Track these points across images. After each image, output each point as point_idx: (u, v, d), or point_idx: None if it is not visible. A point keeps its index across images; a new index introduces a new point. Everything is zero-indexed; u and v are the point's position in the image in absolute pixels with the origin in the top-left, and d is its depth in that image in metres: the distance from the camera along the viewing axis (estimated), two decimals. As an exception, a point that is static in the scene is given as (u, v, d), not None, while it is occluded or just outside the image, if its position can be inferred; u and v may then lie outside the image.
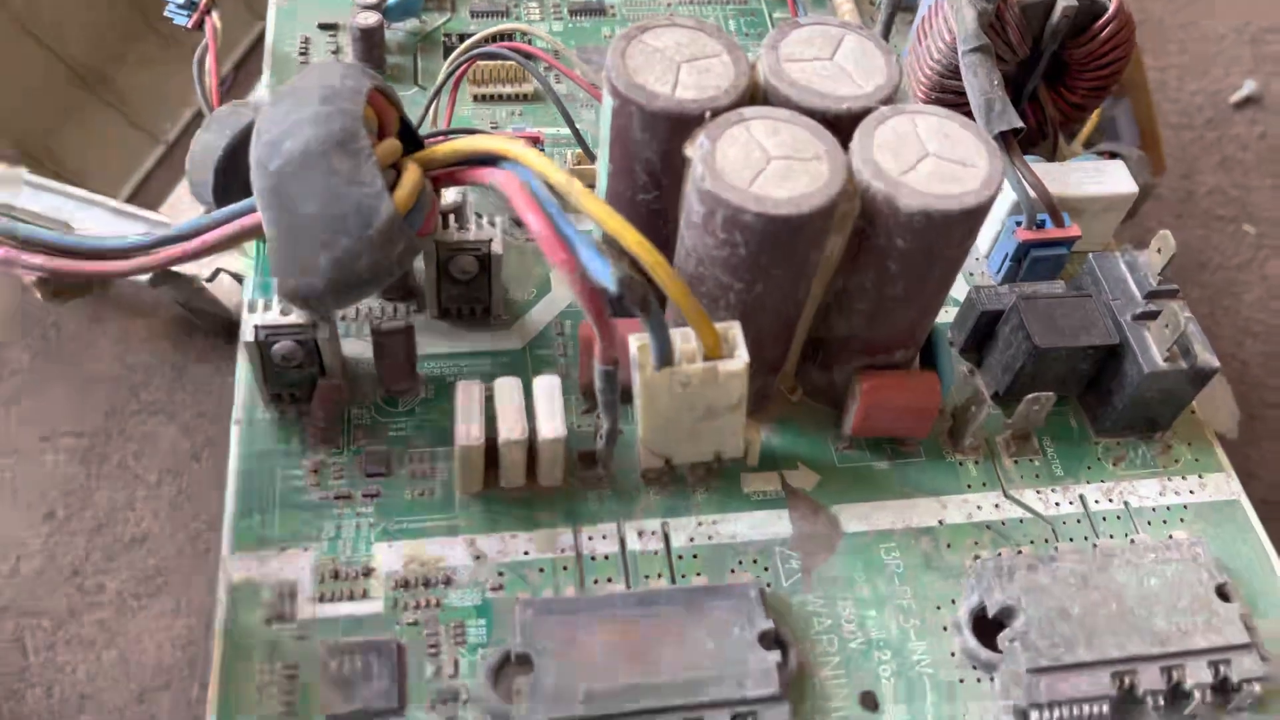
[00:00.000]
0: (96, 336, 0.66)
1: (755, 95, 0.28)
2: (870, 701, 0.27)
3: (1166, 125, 0.69)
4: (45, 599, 0.57)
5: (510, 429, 0.28)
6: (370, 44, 0.38)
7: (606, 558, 0.29)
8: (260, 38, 0.74)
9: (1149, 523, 0.31)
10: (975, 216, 0.26)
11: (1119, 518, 0.31)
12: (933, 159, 0.26)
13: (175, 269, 0.46)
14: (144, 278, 0.47)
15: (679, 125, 0.27)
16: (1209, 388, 0.31)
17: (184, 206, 0.65)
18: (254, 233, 0.29)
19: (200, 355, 0.65)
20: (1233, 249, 0.64)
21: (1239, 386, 0.59)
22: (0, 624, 0.56)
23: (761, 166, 0.25)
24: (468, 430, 0.28)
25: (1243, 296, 0.62)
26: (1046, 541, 0.30)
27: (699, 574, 0.29)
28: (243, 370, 0.31)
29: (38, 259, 0.30)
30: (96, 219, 0.46)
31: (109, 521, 0.59)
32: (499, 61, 0.38)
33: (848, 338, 0.30)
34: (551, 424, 0.28)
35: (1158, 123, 0.52)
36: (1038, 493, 0.31)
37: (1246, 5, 0.75)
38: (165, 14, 0.38)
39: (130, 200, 0.69)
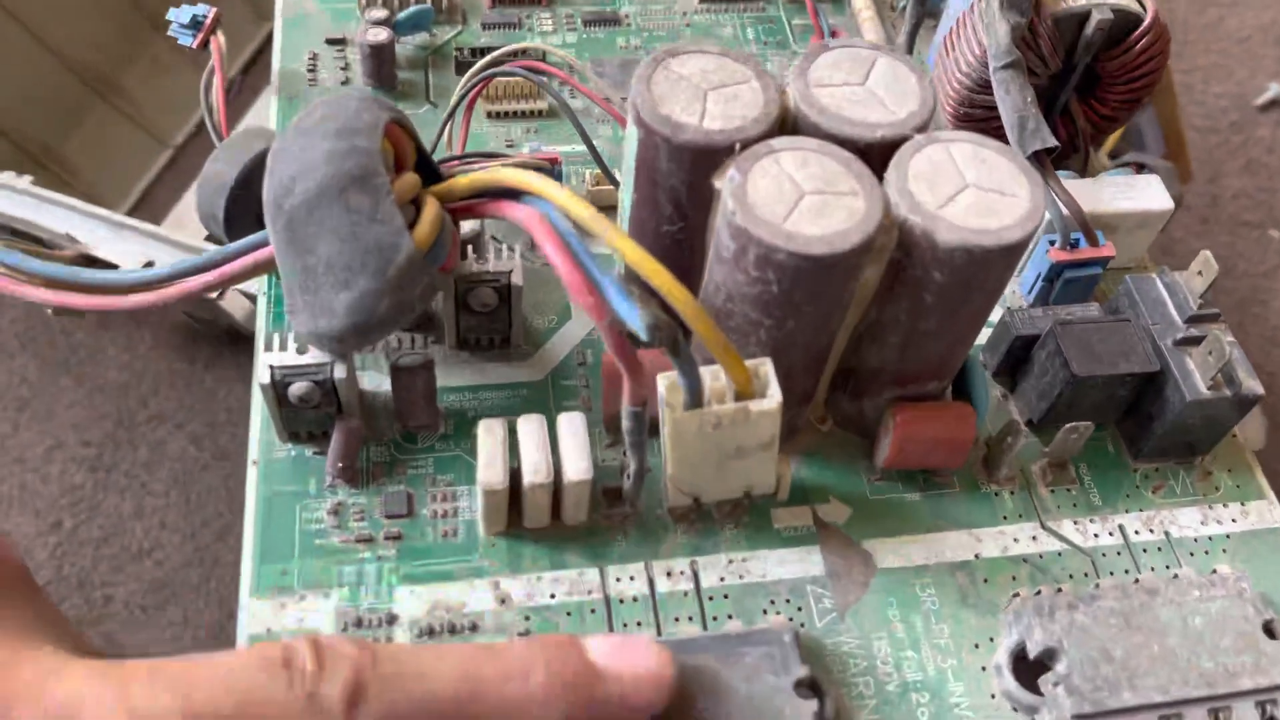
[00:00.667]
0: (104, 345, 0.65)
1: (785, 123, 0.27)
2: (909, 747, 0.26)
3: (1191, 128, 0.67)
4: (56, 614, 0.56)
5: (535, 472, 0.27)
6: (380, 60, 0.37)
7: (635, 599, 0.28)
8: (268, 40, 0.73)
9: (1191, 554, 0.30)
10: (1016, 252, 0.25)
11: (1160, 549, 0.30)
12: (972, 190, 0.25)
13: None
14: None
15: (706, 157, 0.26)
16: None
17: (191, 216, 0.64)
18: (270, 265, 0.29)
19: (208, 363, 0.65)
20: (1259, 255, 0.63)
21: (1266, 397, 0.58)
22: (12, 639, 0.56)
23: (794, 201, 0.24)
24: (491, 473, 0.27)
25: (1270, 304, 0.61)
26: (1086, 575, 0.29)
27: (730, 615, 0.28)
28: (258, 410, 0.30)
29: (49, 294, 0.30)
30: (98, 232, 0.45)
31: (117, 532, 0.59)
32: (514, 77, 0.37)
33: (879, 368, 0.29)
34: (577, 466, 0.27)
35: (1184, 129, 0.51)
36: (1075, 523, 0.30)
37: (1272, 6, 0.73)
38: (169, 34, 0.37)
39: (137, 205, 0.68)
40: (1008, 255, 0.25)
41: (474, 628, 0.27)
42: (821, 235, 0.24)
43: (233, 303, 0.52)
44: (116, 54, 0.69)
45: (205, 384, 0.64)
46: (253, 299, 0.48)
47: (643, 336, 0.23)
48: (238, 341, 0.65)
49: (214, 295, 0.45)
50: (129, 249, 0.47)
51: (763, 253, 0.24)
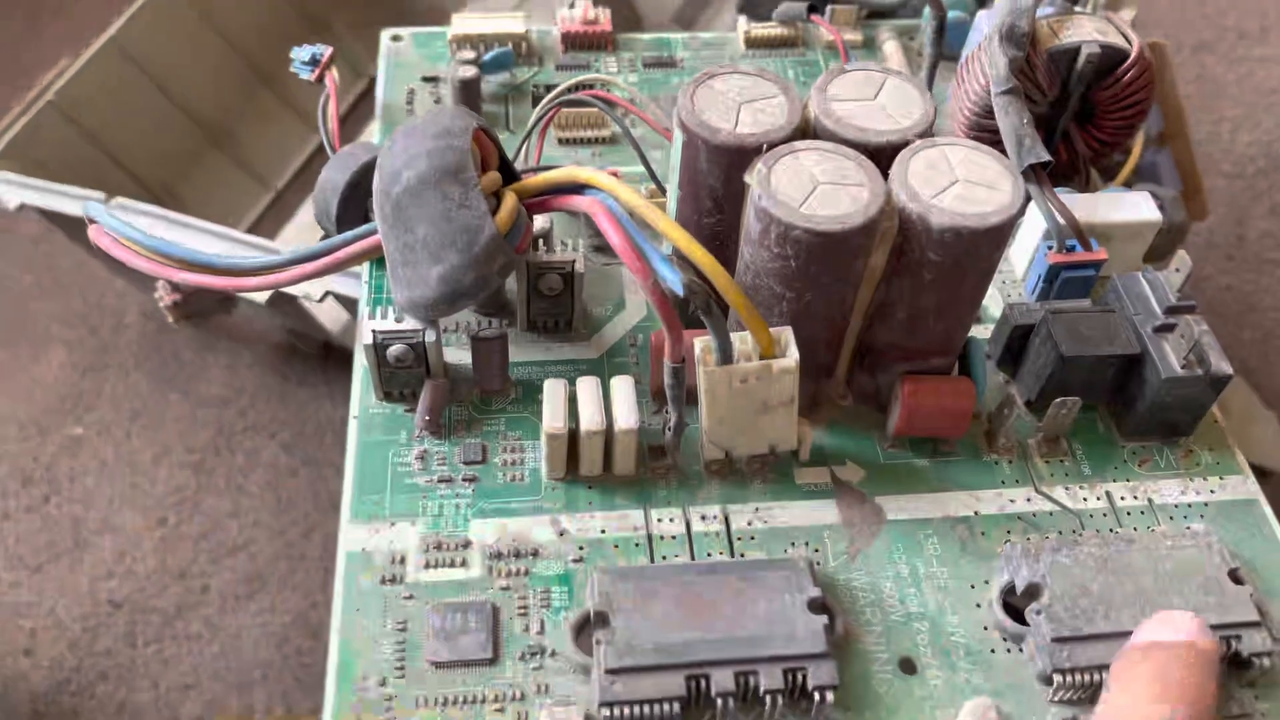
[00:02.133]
0: (208, 364, 0.72)
1: (806, 131, 0.32)
2: (909, 666, 0.30)
3: (1220, 174, 0.71)
4: (156, 597, 0.62)
5: (590, 420, 0.32)
6: (468, 94, 0.43)
7: (674, 537, 0.33)
8: (364, 94, 0.81)
9: (1170, 517, 0.34)
10: (999, 233, 0.30)
11: (1143, 513, 0.34)
12: (961, 184, 0.30)
13: (288, 290, 0.52)
14: (263, 299, 0.52)
15: (739, 156, 0.31)
16: (1260, 425, 0.34)
17: (293, 243, 0.71)
18: (373, 252, 0.34)
19: (300, 380, 0.71)
20: (1283, 292, 0.67)
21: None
22: (114, 620, 0.62)
23: (811, 190, 0.30)
24: (554, 420, 0.32)
25: (1294, 338, 0.64)
26: (1074, 532, 0.33)
27: (755, 552, 0.32)
28: (360, 370, 0.36)
29: (190, 275, 0.36)
30: (224, 248, 0.51)
31: (215, 528, 0.65)
32: (581, 109, 0.43)
33: (889, 345, 0.33)
34: (627, 417, 0.32)
35: (1199, 171, 0.55)
36: (1067, 489, 0.34)
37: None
38: (291, 70, 0.43)
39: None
40: (991, 237, 0.30)
41: (535, 553, 0.32)
42: (832, 216, 0.29)
43: (328, 314, 0.58)
44: (230, 106, 0.77)
45: (297, 398, 0.70)
46: (350, 305, 0.54)
47: (680, 293, 0.28)
48: (328, 359, 0.72)
49: (315, 300, 0.51)
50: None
51: (782, 231, 0.29)
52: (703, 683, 0.28)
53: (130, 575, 0.63)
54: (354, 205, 0.37)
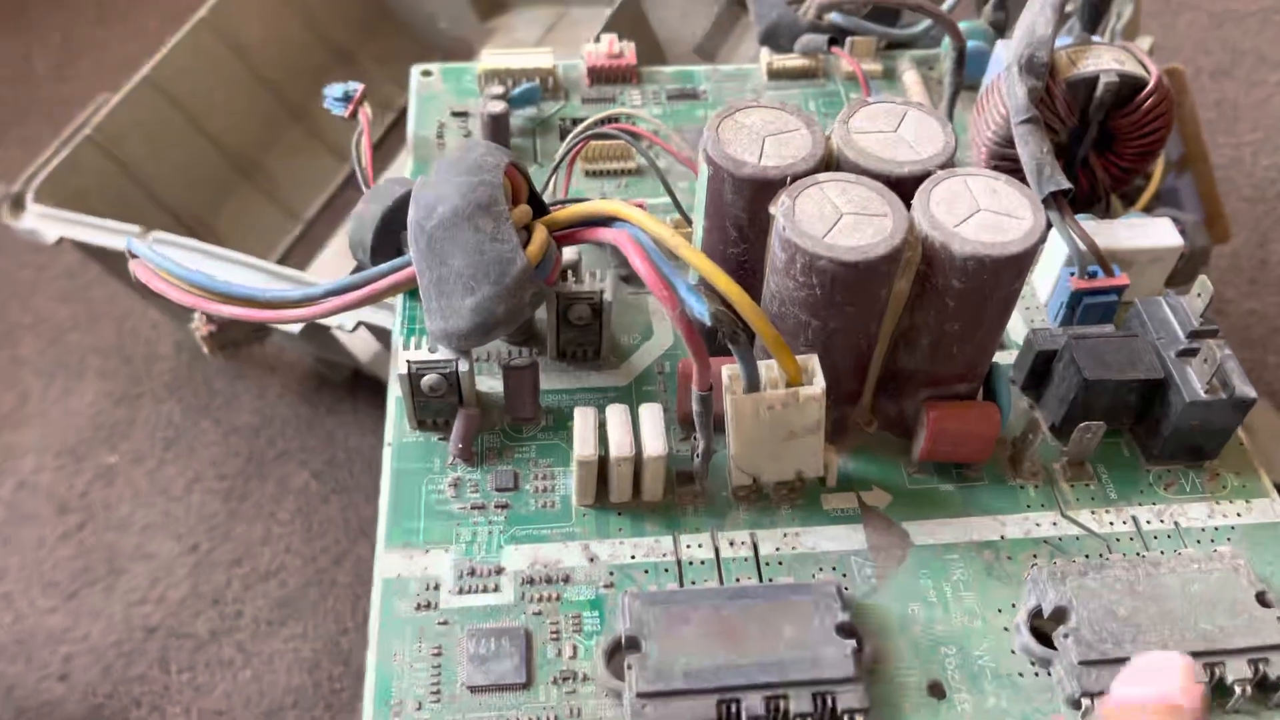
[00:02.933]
0: (240, 393, 0.73)
1: (829, 163, 0.33)
2: (938, 690, 0.31)
3: (1240, 198, 0.71)
4: (189, 623, 0.63)
5: (620, 447, 0.33)
6: (497, 128, 0.44)
7: (703, 562, 0.33)
8: (391, 128, 0.82)
9: (1198, 541, 0.34)
10: (1022, 261, 0.30)
11: (1169, 536, 0.34)
12: (983, 213, 0.31)
13: (323, 321, 0.53)
14: (296, 329, 0.53)
15: (763, 188, 0.32)
16: None
17: (322, 273, 0.73)
18: (406, 284, 0.35)
19: (330, 408, 0.72)
20: (1307, 315, 0.66)
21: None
22: (147, 645, 0.62)
23: (834, 220, 0.30)
24: (585, 448, 0.32)
25: (1318, 358, 0.64)
26: (1101, 555, 0.33)
27: (784, 578, 0.33)
28: (393, 401, 0.37)
29: (230, 308, 0.37)
30: (258, 279, 0.53)
31: (247, 555, 0.66)
32: (608, 141, 0.44)
33: (914, 371, 0.34)
34: (655, 443, 0.33)
35: (1219, 195, 0.55)
36: (1093, 513, 0.35)
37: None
38: (324, 106, 0.44)
39: (275, 269, 0.77)
40: (1014, 264, 0.30)
41: (566, 579, 0.33)
42: (856, 246, 0.30)
43: (359, 344, 0.59)
44: (260, 140, 0.79)
45: (326, 426, 0.71)
46: (381, 335, 0.55)
47: (707, 322, 0.29)
48: (357, 389, 0.73)
49: (348, 331, 0.52)
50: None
51: (807, 260, 0.30)
52: (733, 707, 0.29)
53: (163, 601, 0.64)
54: (388, 238, 0.38)
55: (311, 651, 0.62)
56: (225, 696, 0.61)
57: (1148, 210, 0.48)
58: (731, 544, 0.34)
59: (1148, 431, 0.35)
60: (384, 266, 0.36)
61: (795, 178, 0.31)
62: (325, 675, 0.61)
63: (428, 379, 0.34)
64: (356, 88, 0.44)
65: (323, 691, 0.60)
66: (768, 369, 0.31)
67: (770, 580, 0.33)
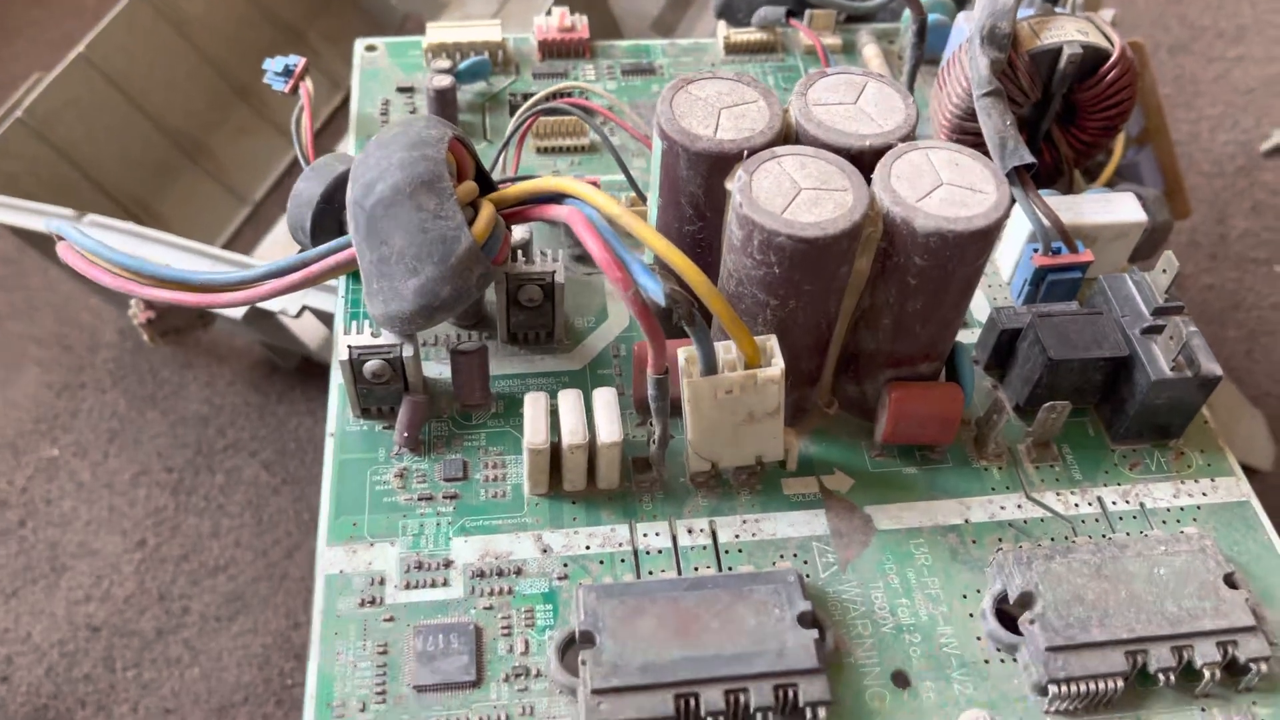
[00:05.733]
0: (187, 381, 0.71)
1: (788, 136, 0.32)
2: (902, 679, 0.30)
3: (1199, 174, 0.71)
4: (135, 621, 0.61)
5: (573, 434, 0.31)
6: (443, 103, 0.43)
7: (660, 551, 0.32)
8: (340, 106, 0.80)
9: (1164, 521, 0.33)
10: (986, 236, 0.29)
11: (1135, 517, 0.33)
12: (946, 187, 0.30)
13: (265, 306, 0.51)
14: (239, 315, 0.51)
15: (720, 163, 0.31)
16: (1247, 423, 0.34)
17: (270, 257, 0.70)
18: (348, 266, 0.34)
19: (280, 397, 0.70)
20: (1266, 290, 0.66)
21: (1275, 422, 0.61)
22: (93, 644, 0.60)
23: (793, 195, 0.29)
24: (536, 435, 0.31)
25: (1277, 335, 0.64)
26: (1066, 538, 0.33)
27: (744, 565, 0.32)
28: (336, 388, 0.35)
29: (161, 292, 0.35)
30: (198, 264, 0.51)
31: (195, 549, 0.64)
32: (560, 117, 0.42)
33: (875, 351, 0.33)
34: (610, 429, 0.31)
35: (1180, 170, 0.55)
36: (1058, 495, 0.34)
37: (1277, 61, 0.77)
38: (265, 80, 0.42)
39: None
40: (977, 240, 0.29)
41: (518, 572, 0.31)
42: (815, 222, 0.28)
43: (307, 329, 0.57)
44: (205, 120, 0.76)
45: (277, 416, 0.69)
46: (328, 320, 0.53)
47: (661, 303, 0.27)
48: (308, 378, 0.71)
49: (292, 316, 0.50)
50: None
51: (765, 238, 0.29)
52: (692, 702, 0.28)
53: (108, 599, 0.62)
54: (328, 218, 0.36)
55: (262, 647, 0.60)
56: (174, 695, 0.59)
57: (1109, 186, 0.47)
58: (690, 532, 0.32)
59: (1113, 410, 0.35)
60: (323, 247, 0.34)
61: (752, 152, 0.30)
62: (276, 670, 0.59)
63: (370, 365, 0.33)
64: (297, 62, 0.42)
65: (274, 687, 0.59)
66: (725, 350, 0.30)
67: (730, 569, 0.32)
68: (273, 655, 0.60)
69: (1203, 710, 0.29)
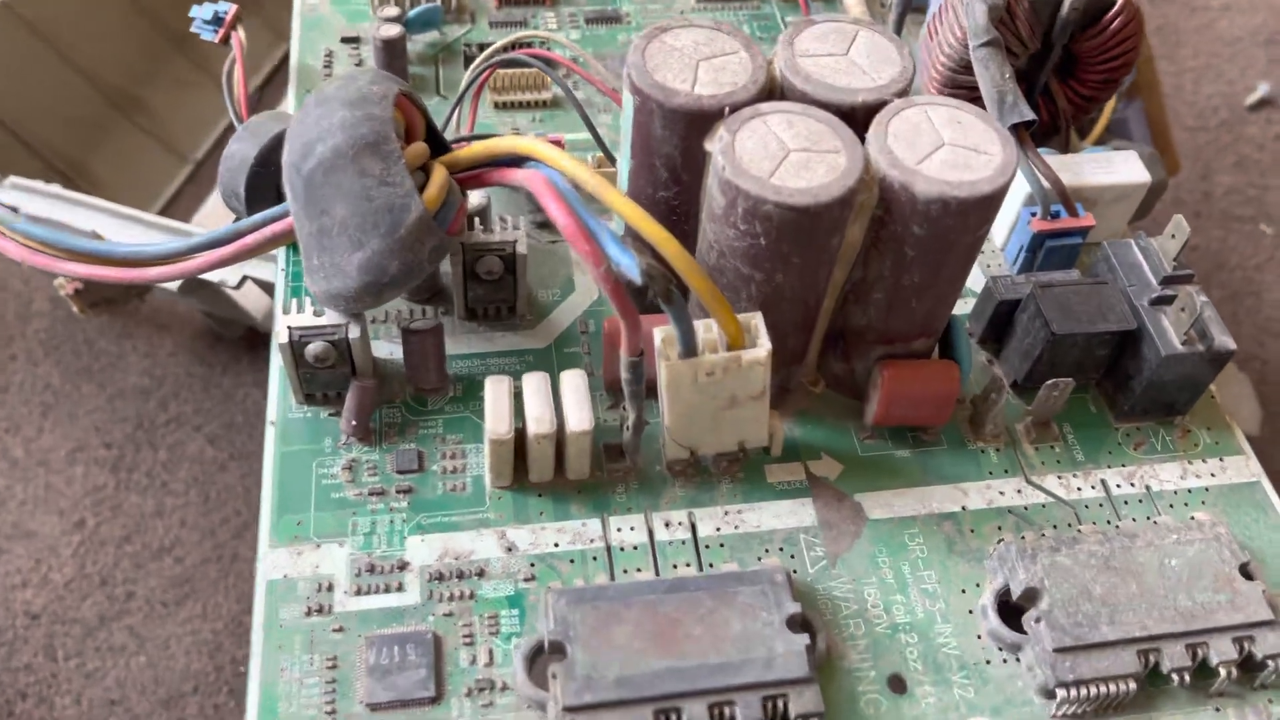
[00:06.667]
0: (126, 352, 0.67)
1: (772, 90, 0.29)
2: (899, 684, 0.28)
3: (1183, 128, 0.69)
4: (76, 607, 0.58)
5: (539, 422, 0.28)
6: (392, 55, 0.39)
7: (635, 548, 0.29)
8: (284, 59, 0.75)
9: (1170, 505, 0.31)
10: (991, 202, 0.27)
11: (1140, 501, 0.31)
12: (947, 148, 0.27)
13: (205, 276, 0.47)
14: (174, 286, 0.48)
15: (698, 121, 0.28)
16: (1233, 386, 0.32)
17: (212, 222, 0.66)
18: (287, 237, 0.30)
19: (225, 367, 0.66)
20: (1251, 249, 0.65)
21: (1261, 385, 0.59)
22: (32, 632, 0.57)
23: (780, 158, 0.26)
24: (498, 424, 0.28)
25: (1263, 295, 0.63)
26: (1069, 525, 0.31)
27: (726, 562, 0.29)
28: (276, 372, 0.32)
29: (79, 267, 0.31)
30: (129, 232, 0.47)
31: (138, 530, 0.60)
32: (519, 69, 0.39)
33: (866, 327, 0.30)
34: (579, 417, 0.29)
35: (1169, 124, 0.52)
36: (1059, 478, 0.32)
37: (1261, 10, 0.75)
38: (192, 30, 0.39)
39: (161, 215, 0.70)
40: (982, 207, 0.26)
41: (481, 573, 0.29)
42: (805, 188, 0.26)
43: (250, 299, 0.54)
44: (140, 73, 0.72)
45: (223, 388, 0.66)
46: (269, 289, 0.50)
47: (636, 280, 0.25)
48: (255, 347, 0.67)
49: (233, 287, 0.46)
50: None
51: (750, 205, 0.26)
52: (674, 717, 0.25)
53: (47, 584, 0.59)
54: (265, 183, 0.33)
55: (212, 633, 0.57)
56: (119, 685, 0.56)
57: (1100, 143, 0.45)
58: (667, 525, 0.30)
59: (1117, 386, 0.33)
60: (259, 216, 0.31)
61: (734, 108, 0.27)
62: (228, 658, 0.56)
63: (313, 347, 0.29)
64: (228, 9, 0.38)
65: (225, 675, 0.56)
66: (706, 329, 0.27)
67: (711, 566, 0.29)
68: (224, 642, 0.57)
69: (1216, 710, 0.28)
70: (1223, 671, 0.27)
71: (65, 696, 0.56)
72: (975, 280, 0.36)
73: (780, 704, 0.26)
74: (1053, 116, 0.37)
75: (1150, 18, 0.73)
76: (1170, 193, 0.63)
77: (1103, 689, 0.27)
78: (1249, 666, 0.28)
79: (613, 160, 0.37)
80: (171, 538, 0.60)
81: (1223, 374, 0.56)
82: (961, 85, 0.35)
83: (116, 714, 0.55)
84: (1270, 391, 0.57)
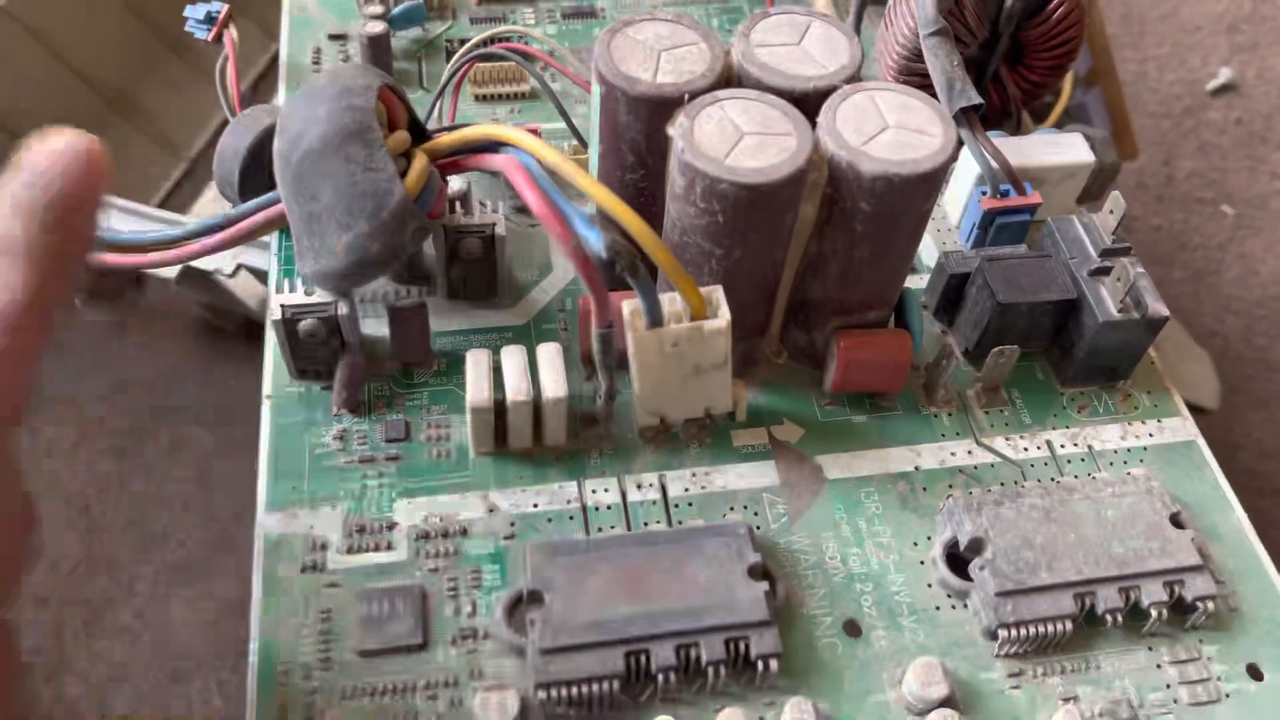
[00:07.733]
0: (126, 344, 0.69)
1: (730, 79, 0.31)
2: (854, 628, 0.30)
3: (1146, 114, 0.71)
4: (82, 590, 0.60)
5: (516, 391, 0.30)
6: (377, 50, 0.41)
7: (609, 508, 0.31)
8: (276, 57, 0.77)
9: (1111, 464, 0.33)
10: (932, 179, 0.29)
11: (1083, 460, 0.33)
12: (892, 130, 0.29)
13: (199, 265, 0.49)
14: (170, 274, 0.49)
15: (660, 108, 0.30)
16: (1193, 362, 0.34)
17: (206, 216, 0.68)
18: (278, 222, 0.32)
19: (223, 357, 0.68)
20: (1212, 230, 0.67)
21: (1220, 361, 0.62)
22: (40, 615, 0.59)
23: (735, 141, 0.28)
24: (478, 393, 0.30)
25: (1223, 275, 0.65)
26: (1016, 483, 0.33)
27: (694, 519, 0.31)
28: (271, 348, 0.34)
29: (82, 253, 0.33)
30: (128, 224, 0.49)
31: (141, 516, 0.62)
32: (498, 63, 0.41)
33: (824, 299, 0.32)
34: (555, 385, 0.31)
35: (1128, 110, 0.54)
36: (1007, 440, 0.34)
37: (1222, -3, 0.77)
38: (186, 29, 0.41)
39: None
40: (924, 184, 0.29)
41: (464, 532, 0.31)
42: (758, 168, 0.28)
43: (245, 288, 0.56)
44: (135, 73, 0.73)
45: (220, 377, 0.67)
46: (263, 277, 0.52)
47: (603, 255, 0.27)
48: (251, 337, 0.69)
49: (228, 275, 0.48)
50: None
51: (708, 185, 0.28)
52: (643, 658, 0.27)
53: (54, 569, 0.61)
54: (257, 172, 0.35)
55: (215, 612, 0.59)
56: (124, 664, 0.58)
57: (1058, 127, 0.47)
58: (639, 487, 0.32)
59: (1061, 353, 0.35)
60: (252, 203, 0.33)
61: (693, 96, 0.29)
62: (231, 635, 0.58)
63: (305, 324, 0.31)
64: (220, 8, 0.40)
65: (229, 652, 0.58)
66: (670, 302, 0.29)
67: (680, 523, 0.31)
68: (226, 620, 0.59)
69: (1150, 650, 0.30)
70: (1154, 613, 0.29)
71: (72, 675, 0.58)
72: (931, 256, 0.38)
73: (742, 645, 0.28)
74: (1003, 102, 0.39)
75: (1114, 6, 0.75)
76: (1133, 177, 0.65)
77: (1041, 629, 0.29)
78: (1180, 609, 0.30)
79: (586, 147, 0.39)
80: (174, 522, 0.62)
81: (1184, 350, 0.58)
82: (915, 73, 0.37)
83: (123, 691, 0.57)
84: (1230, 367, 0.60)
